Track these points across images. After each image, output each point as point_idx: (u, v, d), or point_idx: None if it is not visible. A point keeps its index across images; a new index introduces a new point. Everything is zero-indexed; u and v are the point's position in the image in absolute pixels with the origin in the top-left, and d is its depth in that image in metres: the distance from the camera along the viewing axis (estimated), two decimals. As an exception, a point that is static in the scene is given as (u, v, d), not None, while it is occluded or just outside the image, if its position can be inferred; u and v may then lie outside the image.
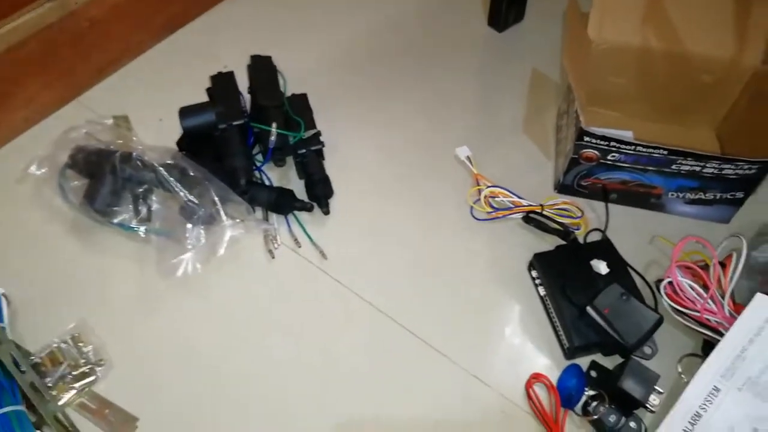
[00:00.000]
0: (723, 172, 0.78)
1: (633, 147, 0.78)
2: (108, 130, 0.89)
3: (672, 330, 0.75)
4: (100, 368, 0.72)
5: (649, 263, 0.81)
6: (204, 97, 0.91)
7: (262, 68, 0.96)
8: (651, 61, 0.89)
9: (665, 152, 0.77)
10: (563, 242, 0.82)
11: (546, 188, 0.90)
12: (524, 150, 0.95)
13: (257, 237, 0.85)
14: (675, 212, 0.86)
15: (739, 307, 0.71)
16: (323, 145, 0.90)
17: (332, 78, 1.05)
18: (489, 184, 0.87)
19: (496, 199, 0.87)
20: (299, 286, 0.81)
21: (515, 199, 0.86)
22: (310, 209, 0.86)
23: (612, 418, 0.68)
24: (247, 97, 0.94)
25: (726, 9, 0.86)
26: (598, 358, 0.75)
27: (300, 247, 0.84)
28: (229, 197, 0.82)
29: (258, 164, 0.90)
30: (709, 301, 0.72)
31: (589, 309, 0.72)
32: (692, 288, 0.73)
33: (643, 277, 0.80)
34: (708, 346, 0.72)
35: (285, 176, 0.92)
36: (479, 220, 0.87)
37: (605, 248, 0.81)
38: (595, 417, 0.69)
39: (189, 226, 0.80)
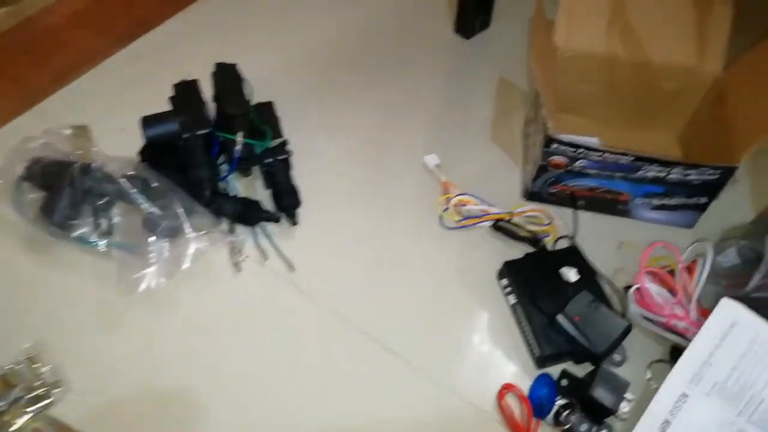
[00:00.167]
0: (687, 177, 0.79)
1: (600, 153, 0.79)
2: (66, 140, 0.86)
3: (641, 336, 0.76)
4: (57, 390, 0.69)
5: (618, 269, 0.81)
6: (167, 106, 0.89)
7: (227, 76, 0.94)
8: (616, 69, 0.90)
9: (631, 158, 0.78)
10: (533, 250, 0.82)
11: (515, 195, 0.90)
12: (492, 157, 0.95)
13: (223, 249, 0.83)
14: (641, 218, 0.87)
15: (706, 312, 0.72)
16: (290, 154, 0.89)
17: (299, 86, 1.04)
18: (458, 192, 0.87)
19: (466, 207, 0.87)
20: (266, 299, 0.80)
21: (484, 206, 0.86)
22: (277, 220, 0.85)
23: (583, 427, 0.68)
24: (211, 105, 0.92)
25: (687, 17, 0.88)
26: (569, 366, 0.75)
27: (267, 259, 0.83)
28: (194, 209, 0.80)
29: (223, 175, 0.88)
30: (677, 306, 0.72)
31: (559, 317, 0.72)
32: (660, 294, 0.73)
33: (611, 284, 0.80)
34: (676, 352, 0.73)
35: (251, 186, 0.90)
36: (449, 228, 0.86)
37: (574, 255, 0.81)
38: (567, 426, 0.69)
39: (152, 239, 0.78)
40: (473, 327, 0.79)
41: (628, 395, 0.70)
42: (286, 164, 0.89)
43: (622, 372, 0.73)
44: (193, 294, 0.79)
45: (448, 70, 1.08)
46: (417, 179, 0.92)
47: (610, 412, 0.69)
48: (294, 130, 0.92)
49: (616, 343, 0.72)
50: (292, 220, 0.85)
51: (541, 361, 0.74)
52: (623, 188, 0.83)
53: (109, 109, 0.96)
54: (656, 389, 0.68)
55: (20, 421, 0.67)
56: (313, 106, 1.00)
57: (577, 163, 0.80)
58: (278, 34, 1.11)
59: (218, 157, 0.89)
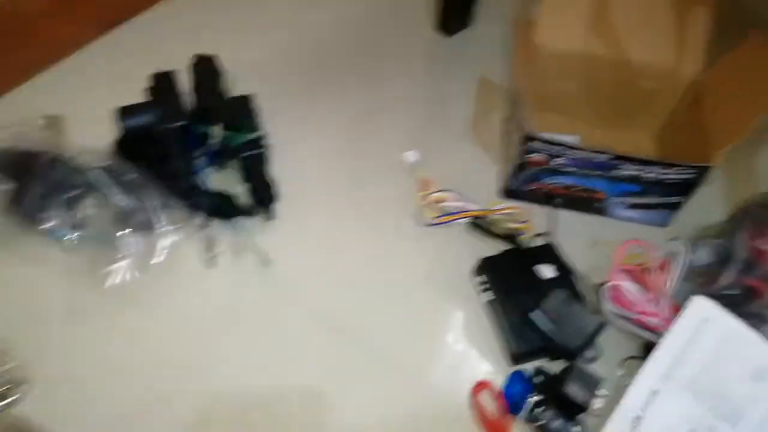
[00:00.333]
0: (663, 177, 0.80)
1: (578, 151, 0.79)
2: (38, 131, 0.85)
3: (615, 333, 0.76)
4: (22, 387, 0.68)
5: (593, 267, 0.82)
6: (142, 98, 0.87)
7: (206, 68, 0.93)
8: (596, 68, 0.91)
9: (609, 156, 0.78)
10: (509, 247, 0.82)
11: (493, 193, 0.90)
12: (471, 155, 0.95)
13: (197, 244, 0.82)
14: (617, 216, 0.88)
15: (678, 310, 0.72)
16: (268, 149, 0.88)
17: (278, 80, 1.03)
18: (436, 189, 0.87)
19: (443, 204, 0.86)
20: (241, 294, 0.79)
21: (462, 204, 0.86)
22: (253, 214, 0.84)
23: (556, 424, 0.69)
24: (189, 97, 0.91)
25: (667, 18, 0.88)
26: (544, 362, 0.75)
27: (242, 253, 0.82)
28: (168, 202, 0.80)
29: (199, 168, 0.87)
30: (649, 304, 0.73)
31: (533, 314, 0.72)
32: (633, 291, 0.73)
33: (586, 281, 0.80)
34: (649, 349, 0.73)
35: (228, 180, 0.88)
36: (426, 225, 0.86)
37: (550, 253, 0.81)
38: (541, 423, 0.69)
39: (124, 232, 0.77)
40: (448, 324, 0.79)
41: (601, 391, 0.70)
42: (263, 158, 0.88)
43: (595, 369, 0.73)
44: (166, 288, 0.78)
45: (429, 67, 1.08)
46: (396, 176, 0.91)
47: (583, 408, 0.69)
48: (273, 125, 0.91)
49: (590, 340, 0.72)
50: (269, 215, 0.84)
51: (516, 358, 0.74)
52: (600, 186, 0.83)
53: (84, 100, 0.94)
54: (629, 385, 0.69)
55: (-16, 418, 0.66)
56: (293, 101, 1.00)
57: (555, 161, 0.81)
58: (259, 28, 1.10)
59: (195, 150, 0.88)
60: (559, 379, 0.71)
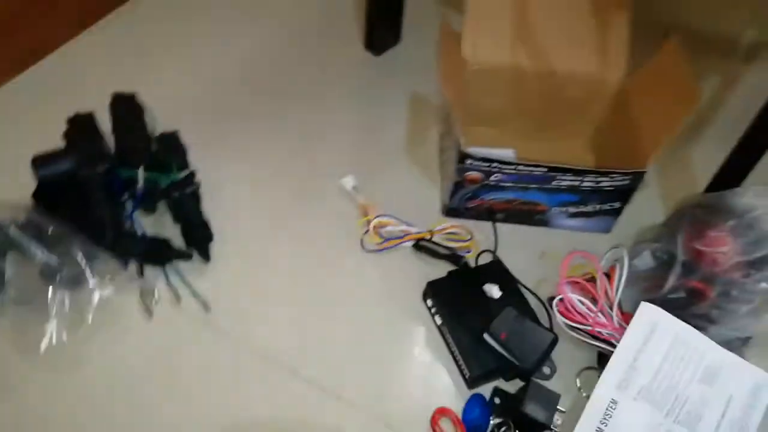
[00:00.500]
0: (600, 185, 0.80)
1: (513, 167, 0.79)
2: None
3: (569, 346, 0.76)
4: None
5: (541, 280, 0.82)
6: (61, 143, 0.82)
7: (126, 107, 0.88)
8: (523, 80, 0.91)
9: (545, 170, 0.78)
10: (454, 268, 0.81)
11: (435, 212, 0.89)
12: (410, 175, 0.94)
13: (132, 295, 0.77)
14: (560, 226, 0.88)
15: (627, 317, 0.73)
16: (199, 186, 0.84)
17: (205, 112, 0.99)
18: (377, 214, 0.85)
19: (386, 228, 0.85)
20: (183, 343, 0.75)
21: (404, 227, 0.84)
22: (188, 257, 0.80)
23: (518, 446, 0.68)
24: (110, 139, 0.86)
25: (588, 25, 0.89)
26: (501, 383, 0.74)
27: (181, 300, 0.78)
28: (96, 254, 0.75)
29: (128, 213, 0.82)
30: (599, 314, 0.73)
31: (485, 336, 0.71)
32: (582, 303, 0.73)
33: (536, 296, 0.80)
34: (603, 359, 0.73)
35: (160, 223, 0.84)
36: (370, 251, 0.84)
37: (497, 270, 0.80)
38: (503, 446, 0.68)
39: (50, 290, 0.72)
40: (403, 352, 0.77)
41: (560, 407, 0.69)
42: (194, 197, 0.84)
43: (553, 384, 0.73)
44: (102, 346, 0.73)
45: (361, 88, 1.07)
46: (335, 203, 0.89)
47: (544, 426, 0.68)
48: (202, 160, 0.87)
49: (545, 356, 0.72)
50: (205, 256, 0.80)
51: (472, 382, 0.72)
52: (539, 199, 0.83)
53: (-4, 149, 0.88)
54: (587, 398, 0.68)
55: None
56: (222, 133, 0.96)
57: (492, 177, 0.80)
58: (180, 62, 1.06)
59: (121, 195, 0.83)
60: (517, 399, 0.70)
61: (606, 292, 0.74)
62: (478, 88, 0.91)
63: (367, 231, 0.85)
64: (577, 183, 0.80)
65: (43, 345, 0.70)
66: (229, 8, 1.16)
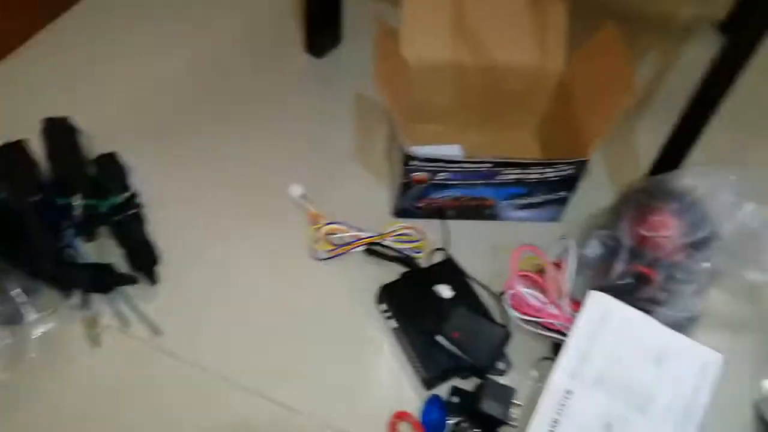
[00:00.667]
0: (545, 175, 0.80)
1: (459, 164, 0.78)
2: None
3: (524, 338, 0.76)
4: None
5: (494, 275, 0.81)
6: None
7: (59, 131, 0.86)
8: (465, 74, 0.91)
9: (489, 165, 0.78)
10: (406, 270, 0.80)
11: (386, 214, 0.88)
12: (359, 179, 0.93)
13: (77, 325, 0.75)
14: (510, 218, 0.88)
15: (579, 306, 0.73)
16: (142, 207, 0.83)
17: (145, 128, 0.96)
18: (326, 221, 0.84)
19: (336, 235, 0.84)
20: (134, 371, 0.73)
21: (355, 232, 0.83)
22: (134, 282, 0.78)
23: (478, 444, 0.68)
24: (44, 166, 0.84)
25: (525, 16, 0.89)
26: (459, 381, 0.74)
27: (129, 326, 0.76)
28: (35, 287, 0.73)
29: (67, 241, 0.80)
30: (550, 305, 0.73)
31: (438, 337, 0.71)
32: (533, 296, 0.74)
33: (490, 291, 0.80)
34: (558, 348, 0.74)
35: (104, 248, 0.82)
36: (322, 259, 0.83)
37: (449, 268, 0.80)
38: (462, 446, 0.68)
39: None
40: (360, 359, 0.76)
41: (517, 401, 0.70)
42: (138, 219, 0.82)
43: (509, 378, 0.73)
44: (46, 383, 0.70)
45: (303, 93, 1.05)
46: (284, 214, 0.88)
47: (501, 422, 0.68)
48: (144, 180, 0.86)
49: (498, 352, 0.72)
50: (152, 279, 0.79)
51: (429, 383, 0.72)
52: (487, 194, 0.83)
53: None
54: (543, 389, 0.69)
55: None
56: (164, 149, 0.94)
57: (438, 177, 0.80)
58: (114, 79, 1.03)
59: (59, 224, 0.80)
60: (474, 397, 0.70)
61: (556, 284, 0.74)
62: (420, 86, 0.90)
63: (317, 239, 0.84)
64: (522, 176, 0.80)
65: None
66: (161, 17, 1.13)
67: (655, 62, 1.13)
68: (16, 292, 0.70)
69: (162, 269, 0.80)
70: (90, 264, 0.79)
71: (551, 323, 0.73)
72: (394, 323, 0.76)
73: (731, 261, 0.73)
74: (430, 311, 0.74)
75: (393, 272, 0.81)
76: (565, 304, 0.73)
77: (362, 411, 0.72)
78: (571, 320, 0.72)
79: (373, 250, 0.83)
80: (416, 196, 0.84)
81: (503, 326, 0.73)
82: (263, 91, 1.04)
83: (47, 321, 0.72)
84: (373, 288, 0.79)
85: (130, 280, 0.78)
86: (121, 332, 0.75)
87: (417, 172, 0.80)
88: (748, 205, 0.74)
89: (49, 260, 0.75)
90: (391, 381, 0.74)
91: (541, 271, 0.76)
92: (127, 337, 0.75)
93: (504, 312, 0.77)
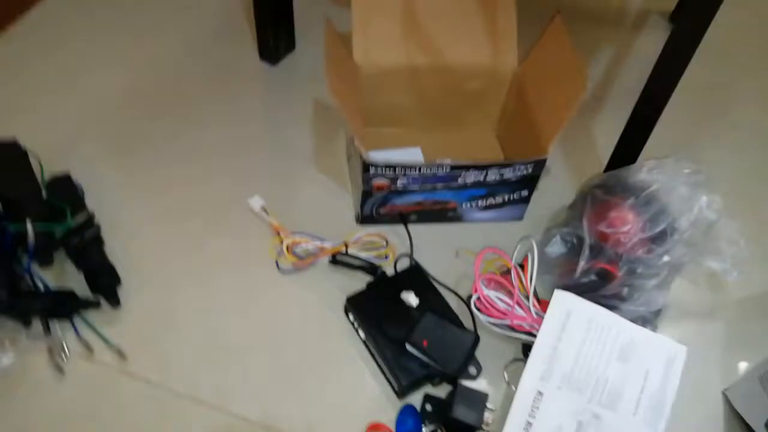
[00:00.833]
0: (504, 176, 0.81)
1: (417, 169, 0.78)
2: None
3: (495, 341, 0.76)
4: None
5: (460, 278, 0.82)
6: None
7: (6, 154, 0.83)
8: (419, 77, 0.90)
9: (448, 168, 0.78)
10: (372, 279, 0.80)
11: (350, 222, 0.88)
12: (321, 187, 0.92)
13: (39, 354, 0.73)
14: (473, 220, 0.88)
15: (546, 305, 0.74)
16: (99, 228, 0.80)
17: (99, 145, 0.94)
18: (288, 233, 0.83)
19: (300, 246, 0.83)
20: (101, 397, 0.71)
21: (318, 242, 0.83)
22: (96, 305, 0.76)
23: (452, 451, 0.68)
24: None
25: (477, 17, 0.89)
26: (431, 389, 0.74)
27: (93, 352, 0.74)
28: (-10, 319, 0.70)
29: (22, 269, 0.77)
30: (516, 307, 0.74)
31: (407, 346, 0.71)
32: (499, 299, 0.74)
33: (457, 295, 0.80)
34: (528, 349, 0.74)
35: (64, 273, 0.80)
36: (287, 272, 0.82)
37: (415, 274, 0.80)
38: (436, 453, 0.68)
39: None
40: (330, 372, 0.76)
41: (489, 405, 0.70)
42: (96, 241, 0.80)
43: (481, 382, 0.73)
44: (9, 417, 0.68)
45: (259, 101, 1.04)
46: (247, 226, 0.86)
47: (475, 427, 0.69)
48: (101, 200, 0.84)
49: (468, 357, 0.72)
50: (114, 301, 0.77)
51: (401, 392, 0.72)
52: (448, 197, 0.83)
53: None
54: (515, 392, 0.69)
55: None
56: (120, 167, 0.92)
57: (399, 182, 0.79)
58: (64, 93, 1.00)
59: (13, 252, 0.78)
60: (447, 404, 0.70)
61: (521, 284, 0.75)
62: (375, 90, 0.90)
63: (280, 252, 0.83)
64: (481, 177, 0.80)
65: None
66: (111, 29, 1.10)
67: (610, 57, 1.14)
68: (-30, 326, 0.68)
69: (123, 291, 0.78)
70: (48, 291, 0.77)
71: (520, 325, 0.74)
72: (362, 334, 0.76)
73: (691, 252, 0.74)
74: (398, 320, 0.74)
75: (360, 281, 0.81)
76: (531, 304, 0.74)
77: (336, 424, 0.72)
78: (538, 321, 0.73)
79: (338, 260, 0.82)
80: (379, 203, 0.83)
81: (472, 331, 0.74)
82: (219, 102, 1.02)
83: (5, 354, 0.70)
84: (341, 298, 0.79)
85: (91, 304, 0.76)
86: (85, 358, 0.73)
87: (377, 178, 0.79)
88: (703, 196, 0.75)
89: (4, 290, 0.72)
90: (364, 392, 0.74)
91: (507, 272, 0.76)
92: (92, 363, 0.73)
93: (473, 316, 0.78)
